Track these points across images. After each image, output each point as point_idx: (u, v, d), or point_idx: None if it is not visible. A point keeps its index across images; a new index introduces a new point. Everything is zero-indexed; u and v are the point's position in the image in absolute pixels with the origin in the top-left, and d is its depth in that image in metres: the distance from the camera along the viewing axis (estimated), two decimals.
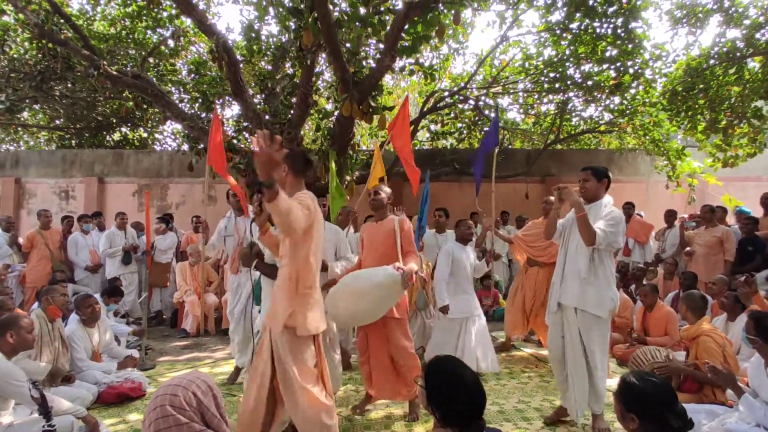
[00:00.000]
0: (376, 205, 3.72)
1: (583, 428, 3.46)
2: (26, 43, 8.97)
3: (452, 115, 10.16)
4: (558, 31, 8.35)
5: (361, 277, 3.29)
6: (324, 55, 7.12)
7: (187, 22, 8.81)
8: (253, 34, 7.24)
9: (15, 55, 9.11)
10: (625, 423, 1.80)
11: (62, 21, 7.32)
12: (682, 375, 3.66)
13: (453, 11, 5.57)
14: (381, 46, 5.99)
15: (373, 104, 5.82)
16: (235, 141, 7.99)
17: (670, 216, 7.33)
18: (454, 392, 1.71)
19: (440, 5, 5.34)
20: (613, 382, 4.44)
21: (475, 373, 1.79)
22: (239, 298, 4.63)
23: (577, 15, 7.54)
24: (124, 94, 9.45)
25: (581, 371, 3.30)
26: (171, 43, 9.00)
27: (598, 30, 7.64)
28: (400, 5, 5.35)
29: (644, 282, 6.44)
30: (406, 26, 5.41)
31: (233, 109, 11.49)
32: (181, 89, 9.68)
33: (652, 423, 1.72)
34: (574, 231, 3.34)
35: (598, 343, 3.30)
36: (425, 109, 9.30)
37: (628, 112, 9.02)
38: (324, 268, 4.23)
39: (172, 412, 1.37)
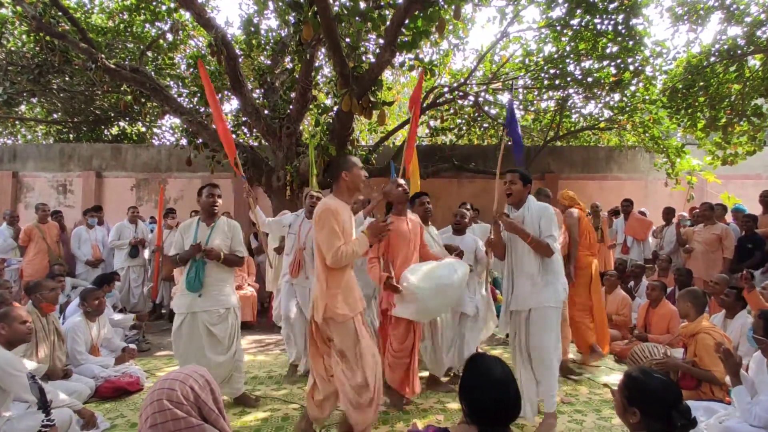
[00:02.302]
0: (402, 199, 3.80)
1: (581, 424, 3.47)
2: (24, 36, 8.92)
3: (452, 111, 10.13)
4: (558, 28, 8.31)
5: (442, 272, 3.49)
6: (323, 50, 7.08)
7: (186, 15, 8.75)
8: (253, 28, 7.20)
9: (12, 48, 9.06)
10: (625, 417, 1.80)
11: (60, 14, 7.27)
12: (680, 371, 3.67)
13: (453, 6, 5.53)
14: (381, 41, 5.95)
15: (372, 99, 5.79)
16: (234, 135, 7.97)
17: (668, 213, 7.33)
18: (481, 389, 1.71)
19: (440, 0, 5.31)
20: (609, 379, 4.47)
21: (510, 375, 1.76)
22: (296, 300, 4.56)
23: (578, 11, 7.51)
24: (122, 88, 9.39)
25: (538, 371, 3.38)
26: (169, 36, 8.94)
27: (598, 26, 7.61)
28: (400, 0, 5.31)
29: (643, 279, 6.46)
30: (406, 21, 5.38)
31: (232, 104, 11.47)
32: (180, 83, 9.63)
33: (654, 419, 1.72)
34: (516, 239, 3.40)
35: (549, 337, 3.33)
36: (424, 105, 9.27)
37: (627, 109, 9.00)
38: None
39: (169, 406, 1.37)
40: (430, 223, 4.27)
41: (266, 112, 7.26)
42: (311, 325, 3.04)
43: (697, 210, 6.72)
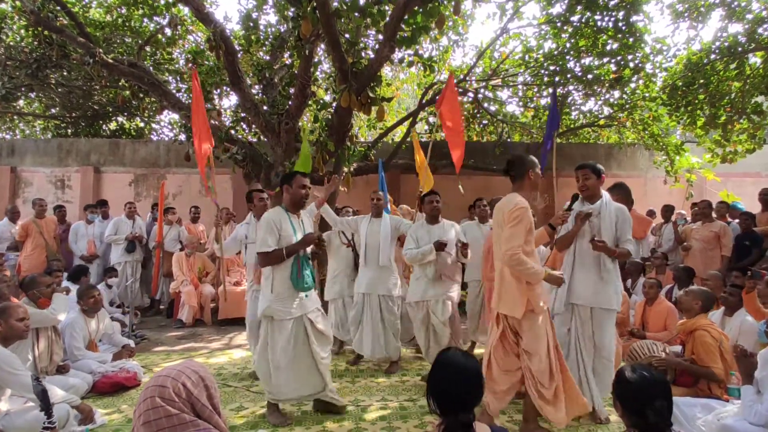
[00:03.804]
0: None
1: (578, 420, 3.47)
2: (22, 31, 8.88)
3: None
4: (558, 24, 8.29)
5: None
6: (323, 46, 7.05)
7: (185, 10, 8.70)
8: (252, 24, 7.17)
9: (11, 43, 9.01)
10: (615, 407, 1.96)
11: (58, 8, 7.23)
12: (678, 369, 3.67)
13: (453, 2, 5.51)
14: (380, 36, 5.93)
15: (371, 95, 5.77)
16: (232, 131, 7.94)
17: (667, 211, 7.33)
18: (437, 381, 1.80)
19: None
20: None
21: (465, 366, 1.82)
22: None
23: (578, 8, 7.49)
24: (120, 83, 9.36)
25: (599, 366, 3.38)
26: (168, 31, 8.90)
27: (599, 23, 7.59)
28: None
29: (640, 277, 6.45)
30: (406, 17, 5.35)
31: (231, 99, 11.42)
32: (178, 78, 9.59)
33: (631, 413, 1.84)
34: (585, 233, 3.41)
35: (610, 336, 3.40)
36: (424, 101, 9.24)
37: (627, 106, 8.98)
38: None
39: (161, 403, 1.36)
40: (441, 219, 4.60)
41: (265, 107, 7.23)
42: (501, 321, 3.07)
43: (697, 208, 6.72)
